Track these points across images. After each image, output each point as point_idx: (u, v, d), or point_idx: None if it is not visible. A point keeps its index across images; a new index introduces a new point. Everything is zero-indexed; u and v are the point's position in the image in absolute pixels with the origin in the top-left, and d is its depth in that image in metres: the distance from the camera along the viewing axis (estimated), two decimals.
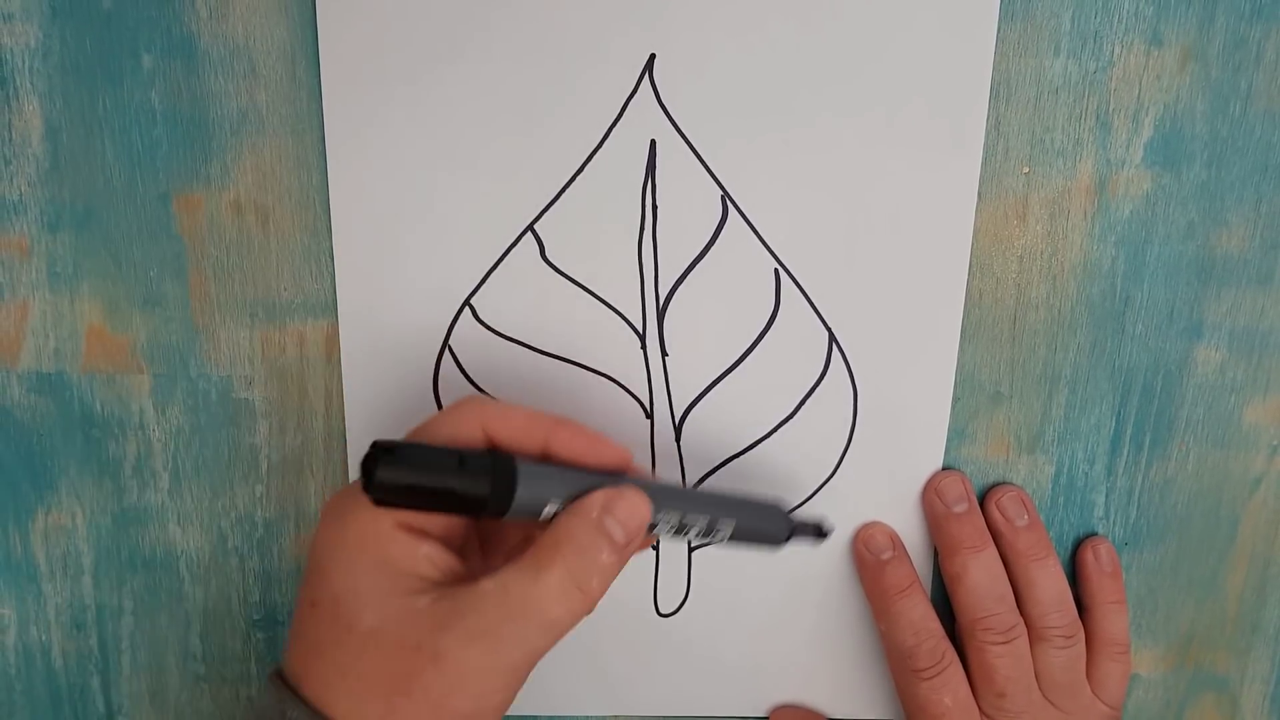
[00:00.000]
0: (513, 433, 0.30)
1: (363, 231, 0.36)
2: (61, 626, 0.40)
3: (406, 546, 0.29)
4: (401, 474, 0.27)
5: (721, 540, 0.33)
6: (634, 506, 0.30)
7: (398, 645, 0.28)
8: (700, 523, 0.32)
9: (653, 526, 0.31)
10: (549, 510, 0.30)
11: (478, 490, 0.28)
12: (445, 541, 0.30)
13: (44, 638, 0.40)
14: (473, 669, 0.28)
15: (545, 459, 0.31)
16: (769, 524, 0.35)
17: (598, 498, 0.30)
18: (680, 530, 0.32)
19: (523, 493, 0.29)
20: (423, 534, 0.29)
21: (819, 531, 0.36)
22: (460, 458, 0.28)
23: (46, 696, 0.41)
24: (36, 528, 0.39)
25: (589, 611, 0.30)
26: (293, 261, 0.36)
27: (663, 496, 0.31)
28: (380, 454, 0.27)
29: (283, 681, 0.30)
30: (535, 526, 0.30)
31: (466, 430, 0.30)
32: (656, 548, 0.39)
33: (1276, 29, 0.35)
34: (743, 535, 0.34)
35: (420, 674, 0.28)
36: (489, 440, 0.30)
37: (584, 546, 0.29)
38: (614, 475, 0.31)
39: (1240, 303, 0.37)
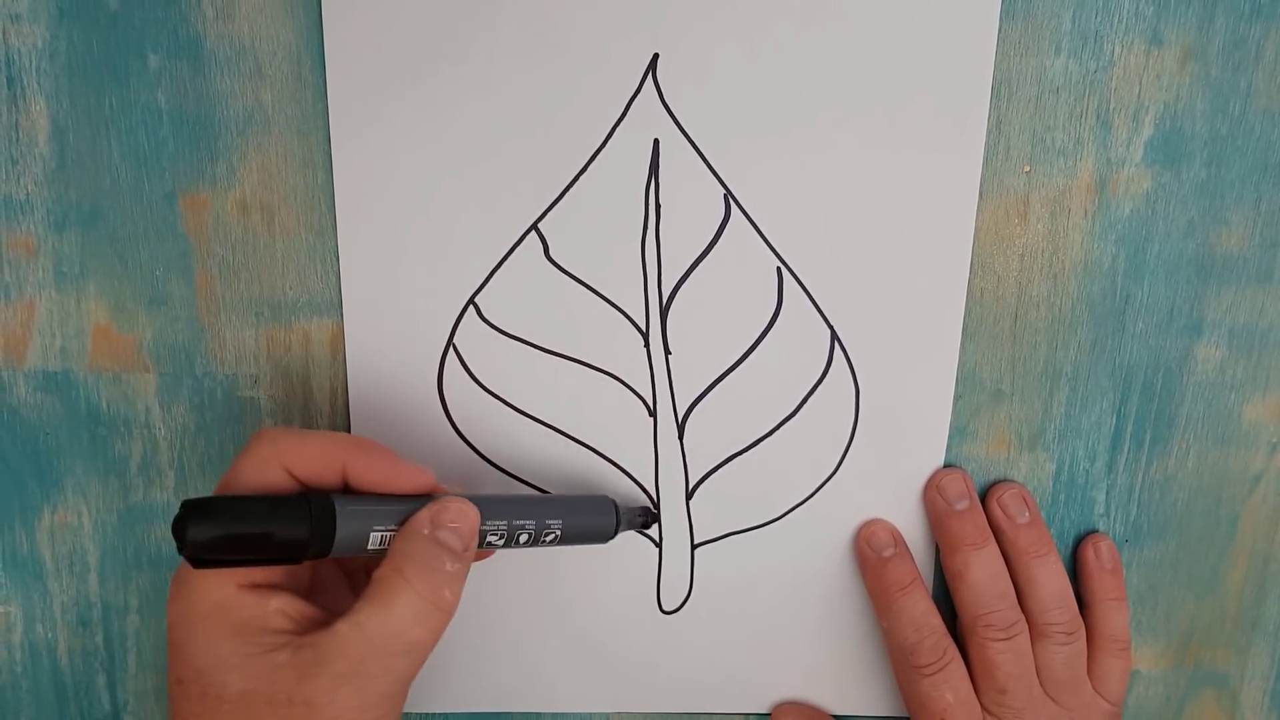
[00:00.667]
0: (310, 464, 0.30)
1: (368, 230, 0.36)
2: (67, 624, 0.40)
3: (254, 606, 0.29)
4: (214, 530, 0.27)
5: (554, 541, 0.34)
6: (461, 512, 0.31)
7: (268, 703, 0.29)
8: (529, 526, 0.33)
9: (484, 538, 0.32)
10: (375, 539, 0.30)
11: (296, 534, 0.28)
12: (294, 590, 0.31)
13: (50, 635, 0.40)
14: (344, 709, 0.29)
15: (345, 485, 0.31)
16: (596, 519, 0.36)
17: (424, 514, 0.30)
18: (511, 537, 0.33)
19: (344, 529, 0.29)
20: (269, 589, 0.30)
21: (645, 518, 0.37)
22: (271, 503, 0.28)
23: (52, 694, 0.41)
24: (43, 526, 0.39)
25: (448, 622, 0.30)
26: (298, 260, 0.36)
27: (486, 505, 0.32)
28: (188, 513, 0.27)
29: None
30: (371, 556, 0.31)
31: (269, 473, 0.30)
32: (659, 544, 0.39)
33: (1276, 28, 0.35)
34: (573, 534, 0.35)
35: None
36: (290, 476, 0.30)
37: (425, 563, 0.30)
38: (425, 496, 0.32)
39: (1240, 301, 0.37)
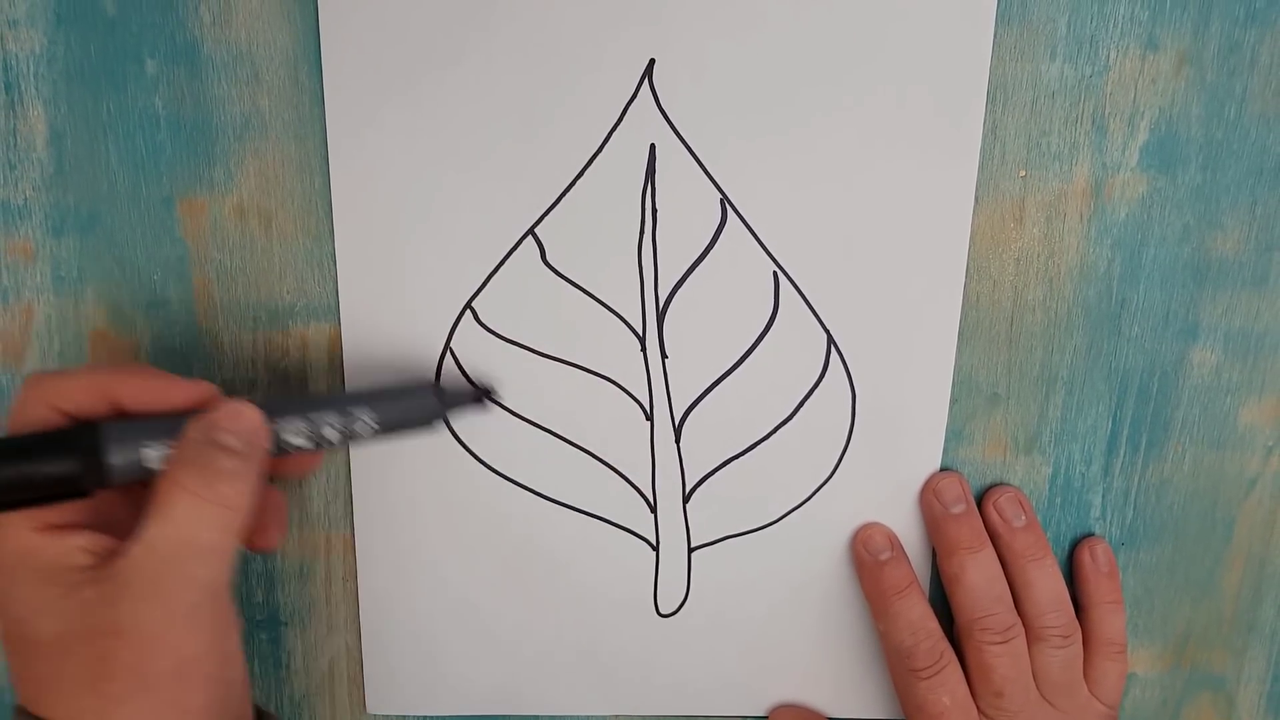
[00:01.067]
0: (79, 398, 0.30)
1: (365, 235, 0.36)
2: None
3: (56, 547, 0.29)
4: None
5: (371, 434, 0.33)
6: (235, 411, 0.30)
7: (82, 639, 0.28)
8: (334, 421, 0.32)
9: (283, 445, 0.31)
10: (154, 458, 0.29)
11: (69, 468, 0.28)
12: (102, 526, 0.30)
13: None
14: (153, 629, 0.28)
15: (123, 415, 0.30)
16: (416, 403, 0.34)
17: (198, 421, 0.30)
18: (317, 437, 0.32)
19: (115, 455, 0.29)
20: (70, 528, 0.29)
21: (478, 396, 0.35)
22: (32, 439, 0.28)
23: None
24: None
25: (239, 519, 0.30)
26: (295, 265, 0.36)
27: (277, 405, 0.31)
28: None
29: (24, 713, 0.30)
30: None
31: (38, 413, 0.30)
32: (656, 547, 0.39)
33: (1271, 33, 0.35)
34: (391, 424, 0.33)
35: (113, 655, 0.28)
36: (62, 415, 0.30)
37: (199, 464, 0.29)
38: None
39: (1235, 305, 0.37)
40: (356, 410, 0.32)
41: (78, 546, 0.29)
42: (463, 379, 0.37)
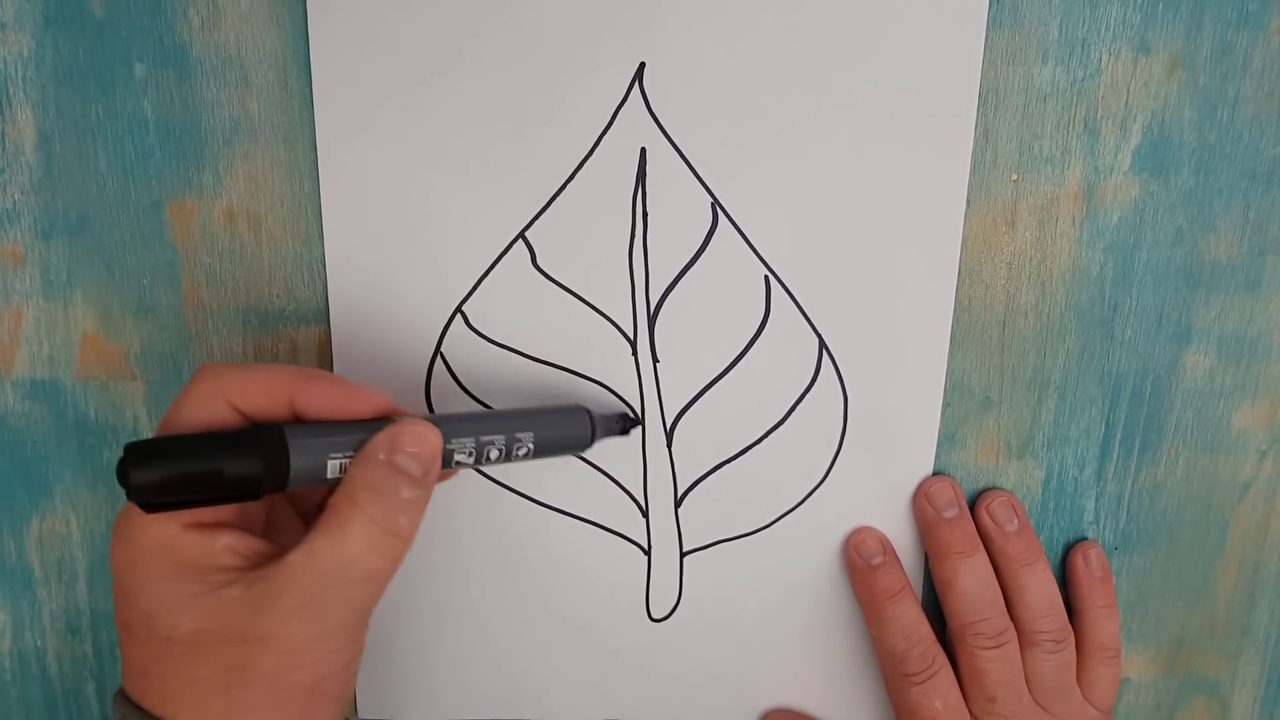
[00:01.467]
0: (256, 398, 0.29)
1: (354, 239, 0.36)
2: (56, 632, 0.40)
3: (201, 545, 0.28)
4: (160, 471, 0.26)
5: (527, 455, 0.33)
6: (420, 435, 0.29)
7: (221, 641, 0.28)
8: (498, 441, 0.32)
9: (450, 457, 0.31)
10: (333, 468, 0.29)
11: (250, 470, 0.27)
12: (246, 527, 0.30)
13: (39, 644, 0.40)
14: (301, 642, 0.28)
15: (296, 418, 0.30)
16: (570, 428, 0.34)
17: (381, 439, 0.29)
18: (480, 455, 0.31)
19: (299, 460, 0.28)
20: (216, 527, 0.29)
21: (625, 424, 0.36)
22: (218, 439, 0.27)
23: (42, 702, 0.41)
24: (31, 534, 0.39)
25: (406, 549, 0.29)
26: (285, 269, 0.36)
27: (450, 425, 0.31)
28: (131, 456, 0.26)
29: (126, 700, 0.29)
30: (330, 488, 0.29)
31: (213, 409, 0.29)
32: (648, 551, 0.39)
33: (1263, 36, 0.35)
34: (546, 446, 0.33)
35: (251, 662, 0.28)
36: (236, 412, 0.29)
37: (381, 489, 0.28)
38: (384, 420, 0.30)
39: (1228, 309, 0.37)
40: (520, 433, 0.32)
41: (224, 546, 0.28)
42: (609, 402, 0.37)
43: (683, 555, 0.39)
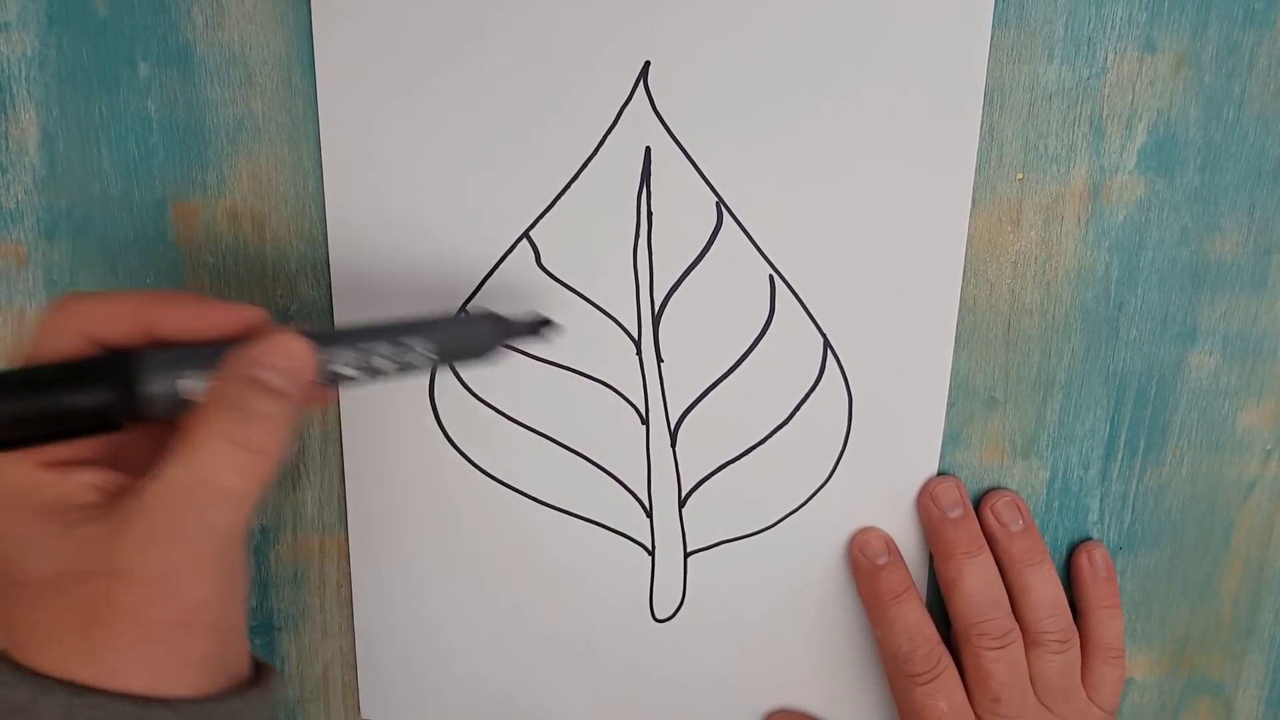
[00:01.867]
0: (114, 325, 0.27)
1: (358, 238, 0.36)
2: None
3: (59, 484, 0.27)
4: (4, 408, 0.25)
5: (424, 365, 0.30)
6: (284, 347, 0.28)
7: (79, 580, 0.26)
8: (387, 351, 0.30)
9: (334, 376, 0.29)
10: (188, 389, 0.27)
11: (97, 400, 0.25)
12: (116, 463, 0.28)
13: None
14: (160, 573, 0.26)
15: (160, 345, 0.28)
16: (474, 330, 0.32)
17: (239, 353, 0.27)
18: (368, 368, 0.29)
19: (152, 388, 0.26)
20: (76, 465, 0.27)
21: (535, 326, 0.33)
22: (62, 368, 0.26)
23: None
24: None
25: (269, 467, 0.28)
26: (289, 268, 0.36)
27: (328, 337, 0.29)
28: None
29: (5, 660, 0.27)
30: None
31: (67, 341, 0.27)
32: (652, 552, 0.39)
33: (1269, 35, 0.35)
34: (446, 353, 0.31)
35: (109, 598, 0.26)
36: (94, 344, 0.27)
37: (235, 404, 0.27)
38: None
39: (1234, 308, 0.37)
40: (411, 340, 0.30)
41: (85, 483, 0.27)
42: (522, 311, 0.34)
43: (686, 555, 0.39)
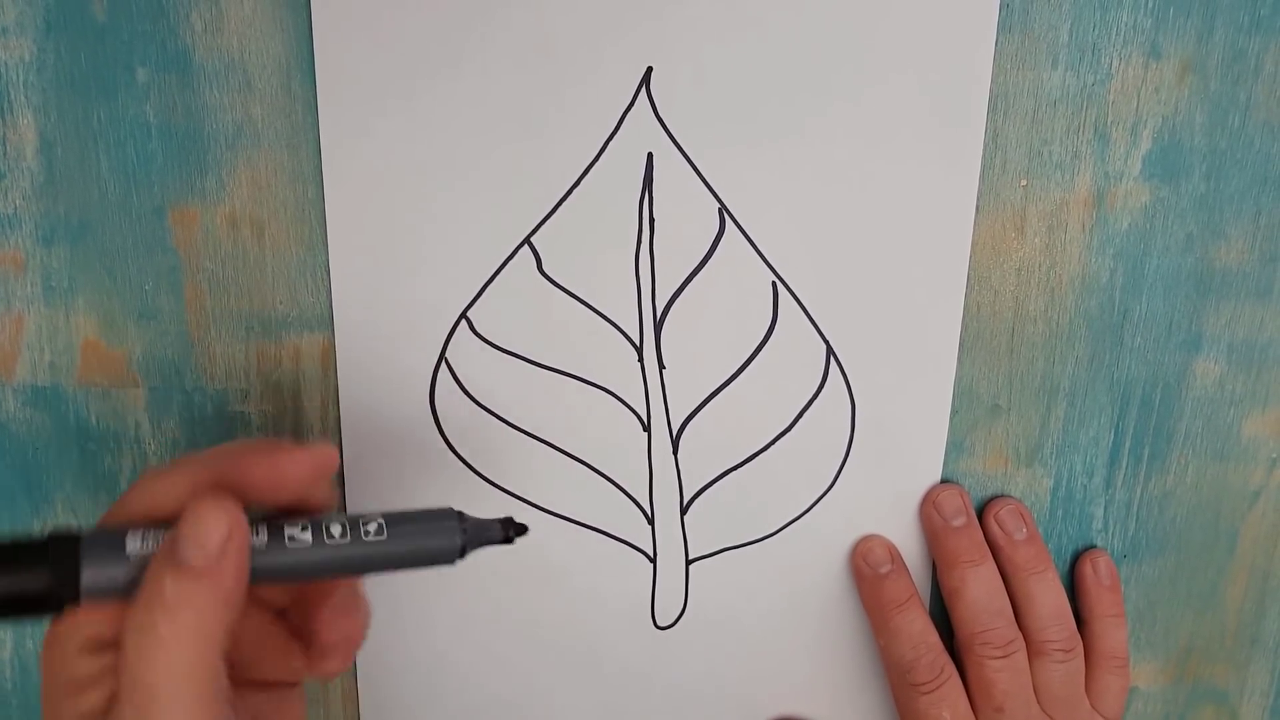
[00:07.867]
0: (185, 501, 0.26)
1: (359, 245, 0.35)
2: None
3: (85, 663, 0.26)
4: None
5: (379, 561, 0.29)
6: (200, 518, 0.26)
7: None
8: (339, 533, 0.28)
9: (277, 559, 0.27)
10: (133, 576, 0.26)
11: (32, 584, 0.25)
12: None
13: (40, 651, 0.40)
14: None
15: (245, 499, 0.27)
16: (437, 535, 0.29)
17: (174, 530, 0.26)
18: (321, 533, 0.28)
19: (93, 575, 0.25)
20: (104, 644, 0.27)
21: (508, 532, 0.30)
22: (9, 549, 0.25)
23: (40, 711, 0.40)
24: None
25: (211, 646, 0.26)
26: (288, 275, 0.36)
27: (280, 516, 0.28)
28: None
29: None
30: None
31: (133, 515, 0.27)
32: (653, 559, 0.39)
33: (1275, 41, 0.35)
34: (404, 557, 0.29)
35: None
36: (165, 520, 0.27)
37: (151, 592, 0.25)
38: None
39: (1239, 315, 0.37)
40: (368, 525, 0.28)
41: (98, 666, 0.26)
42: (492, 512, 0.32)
43: (688, 563, 0.39)
